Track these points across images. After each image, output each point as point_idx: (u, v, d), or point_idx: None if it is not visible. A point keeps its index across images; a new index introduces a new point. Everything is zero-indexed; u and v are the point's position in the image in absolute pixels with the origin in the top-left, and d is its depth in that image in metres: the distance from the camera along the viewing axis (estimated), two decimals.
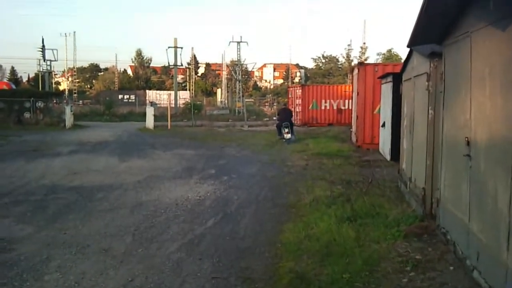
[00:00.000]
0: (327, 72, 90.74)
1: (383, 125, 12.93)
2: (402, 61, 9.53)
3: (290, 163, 13.15)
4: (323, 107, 30.62)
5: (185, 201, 8.30)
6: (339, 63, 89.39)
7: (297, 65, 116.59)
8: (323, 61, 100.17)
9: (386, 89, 12.70)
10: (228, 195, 8.85)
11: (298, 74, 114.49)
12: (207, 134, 24.30)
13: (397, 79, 10.22)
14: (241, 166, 12.58)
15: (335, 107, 30.57)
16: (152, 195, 8.78)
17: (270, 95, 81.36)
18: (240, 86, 58.24)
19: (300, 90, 31.37)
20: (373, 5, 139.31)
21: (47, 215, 7.11)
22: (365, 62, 39.87)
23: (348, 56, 77.82)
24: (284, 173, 11.40)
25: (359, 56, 73.20)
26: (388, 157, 12.33)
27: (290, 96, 33.45)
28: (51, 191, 8.93)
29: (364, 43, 74.04)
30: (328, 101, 30.73)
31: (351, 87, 31.59)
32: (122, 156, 14.48)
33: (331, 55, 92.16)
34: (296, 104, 31.67)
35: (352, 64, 74.04)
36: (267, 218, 7.19)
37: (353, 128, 17.78)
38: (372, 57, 72.86)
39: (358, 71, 16.34)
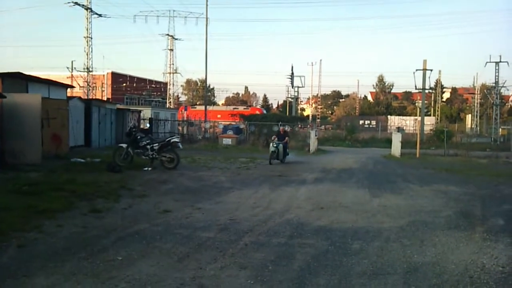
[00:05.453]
0: None
1: None
2: None
3: None
4: None
5: (481, 271, 5.54)
6: None
7: None
8: None
9: None
10: None
11: None
12: (466, 166, 20.34)
13: None
14: None
15: None
16: (426, 253, 6.29)
17: None
18: (498, 111, 50.25)
19: None
20: None
21: (292, 272, 5.36)
22: None
23: None
24: None
25: None
26: None
27: None
28: (296, 231, 7.33)
29: None
30: None
31: None
32: (371, 189, 12.36)
33: None
34: None
35: None
36: None
37: None
38: None
39: None
